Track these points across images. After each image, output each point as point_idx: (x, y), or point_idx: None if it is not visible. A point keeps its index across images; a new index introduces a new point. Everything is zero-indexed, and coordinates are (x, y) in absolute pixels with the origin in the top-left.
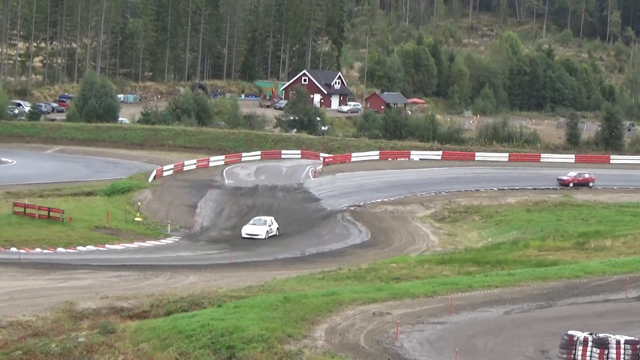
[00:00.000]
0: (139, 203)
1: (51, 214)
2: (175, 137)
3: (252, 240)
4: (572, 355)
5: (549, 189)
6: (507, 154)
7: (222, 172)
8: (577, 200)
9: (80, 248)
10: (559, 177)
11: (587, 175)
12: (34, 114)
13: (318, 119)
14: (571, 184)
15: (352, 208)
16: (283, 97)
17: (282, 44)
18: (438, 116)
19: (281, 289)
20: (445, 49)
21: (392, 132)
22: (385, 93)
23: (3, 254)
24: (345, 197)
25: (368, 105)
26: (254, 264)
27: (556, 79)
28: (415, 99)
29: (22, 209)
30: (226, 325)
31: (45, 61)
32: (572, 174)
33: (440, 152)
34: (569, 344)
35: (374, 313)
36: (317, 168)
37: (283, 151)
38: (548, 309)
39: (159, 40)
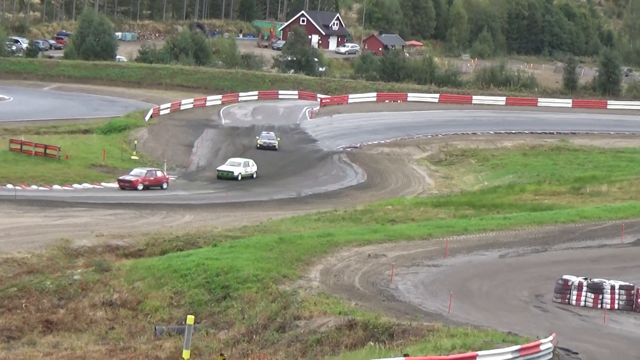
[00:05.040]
0: (136, 141)
1: (48, 151)
2: (172, 76)
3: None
4: (566, 300)
5: (545, 133)
6: (504, 98)
7: (219, 111)
8: (573, 145)
9: (76, 186)
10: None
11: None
12: (32, 51)
13: (316, 59)
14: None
15: (348, 149)
16: (281, 37)
17: None
18: (436, 59)
19: (277, 229)
20: None
21: (389, 74)
22: (383, 35)
23: None
24: (341, 139)
25: (366, 47)
26: (249, 204)
27: (554, 23)
28: (413, 42)
29: (18, 146)
30: (221, 265)
31: None
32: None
33: (437, 95)
34: (564, 289)
35: (369, 255)
36: (314, 109)
37: (280, 91)
38: (543, 253)
39: None
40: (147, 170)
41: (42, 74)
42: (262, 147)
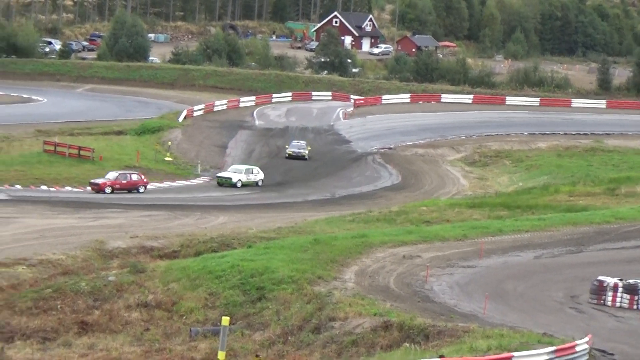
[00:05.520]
0: (169, 143)
1: (81, 152)
2: (205, 77)
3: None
4: (602, 301)
5: (579, 134)
6: (538, 99)
7: (253, 112)
8: (608, 146)
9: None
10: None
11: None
12: (65, 53)
13: (349, 61)
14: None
15: (382, 151)
16: (314, 38)
17: None
18: (469, 60)
19: (311, 230)
20: None
21: (423, 75)
22: (416, 36)
23: (33, 192)
24: (375, 140)
25: (399, 48)
26: (284, 205)
27: (588, 24)
28: (446, 42)
29: (52, 147)
30: (256, 266)
31: None
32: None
33: (471, 96)
34: (599, 290)
35: (404, 256)
36: (348, 110)
37: (314, 93)
38: (578, 254)
39: None
40: (119, 174)
41: (75, 75)
42: (291, 157)
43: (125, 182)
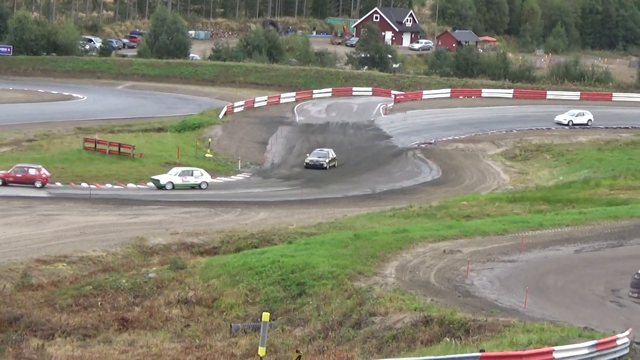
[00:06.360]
0: (210, 139)
1: (122, 149)
2: (246, 73)
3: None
4: None
5: (620, 127)
6: (578, 93)
7: (293, 108)
8: None
9: (150, 184)
10: None
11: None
12: (105, 50)
13: (389, 56)
14: None
15: (423, 146)
16: (354, 34)
17: None
18: (509, 54)
19: (351, 226)
20: None
21: (463, 70)
22: (456, 31)
23: (74, 189)
24: (416, 135)
25: (439, 43)
26: (324, 200)
27: (629, 17)
28: (486, 37)
29: (92, 145)
30: (296, 262)
31: None
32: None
33: (511, 91)
34: None
35: (444, 250)
36: (388, 105)
37: (354, 88)
38: (619, 247)
39: None
40: (17, 166)
41: (115, 72)
42: (309, 166)
43: (20, 175)
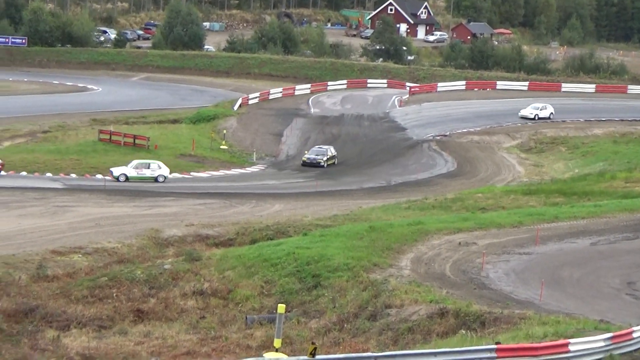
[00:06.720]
0: (225, 131)
1: (136, 141)
2: (260, 65)
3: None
4: None
5: (636, 120)
6: (593, 86)
7: (308, 100)
8: None
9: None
10: None
11: None
12: (120, 42)
13: (404, 48)
14: None
15: (438, 138)
16: (369, 26)
17: None
18: (524, 47)
19: (367, 217)
20: None
21: (478, 62)
22: (471, 23)
23: (89, 180)
24: (431, 127)
25: (454, 36)
26: (339, 192)
27: None
28: (501, 30)
29: (107, 136)
30: (312, 254)
31: None
32: None
33: (526, 83)
34: None
35: (459, 243)
36: (403, 97)
37: (369, 80)
38: (635, 240)
39: None
40: None
41: (130, 64)
42: (306, 164)
43: None
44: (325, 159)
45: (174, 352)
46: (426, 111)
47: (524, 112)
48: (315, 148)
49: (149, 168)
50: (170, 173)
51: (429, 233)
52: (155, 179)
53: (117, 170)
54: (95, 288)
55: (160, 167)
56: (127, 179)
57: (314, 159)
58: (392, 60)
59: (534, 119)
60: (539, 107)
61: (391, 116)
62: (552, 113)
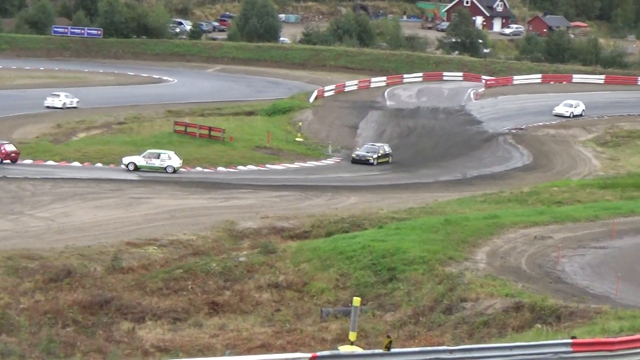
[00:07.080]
0: (300, 123)
1: (212, 133)
2: (336, 57)
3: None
4: None
5: None
6: None
7: (384, 93)
8: None
9: (240, 167)
10: None
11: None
12: (195, 33)
13: (480, 41)
14: None
15: (513, 131)
16: (445, 18)
17: None
18: (601, 40)
19: (442, 211)
20: None
21: (554, 55)
22: (547, 16)
23: (164, 172)
24: (507, 120)
25: (530, 28)
26: (415, 185)
27: None
28: (577, 23)
29: (183, 128)
30: (387, 247)
31: None
32: None
33: (602, 77)
34: None
35: (535, 236)
36: (479, 90)
37: (445, 73)
38: None
39: None
40: None
41: (205, 56)
42: (355, 161)
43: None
44: (375, 156)
45: (249, 344)
46: (502, 104)
47: (559, 110)
48: (368, 145)
49: (158, 158)
50: (246, 165)
51: (505, 226)
52: (165, 169)
53: (126, 159)
54: (170, 280)
55: (170, 158)
56: (136, 167)
57: (364, 156)
58: (468, 53)
59: (569, 116)
60: (572, 105)
61: (467, 109)
62: (583, 110)
